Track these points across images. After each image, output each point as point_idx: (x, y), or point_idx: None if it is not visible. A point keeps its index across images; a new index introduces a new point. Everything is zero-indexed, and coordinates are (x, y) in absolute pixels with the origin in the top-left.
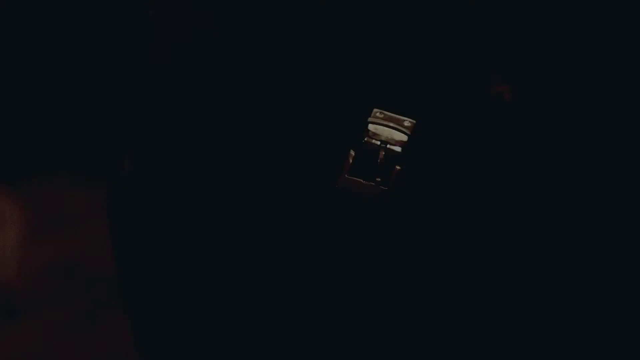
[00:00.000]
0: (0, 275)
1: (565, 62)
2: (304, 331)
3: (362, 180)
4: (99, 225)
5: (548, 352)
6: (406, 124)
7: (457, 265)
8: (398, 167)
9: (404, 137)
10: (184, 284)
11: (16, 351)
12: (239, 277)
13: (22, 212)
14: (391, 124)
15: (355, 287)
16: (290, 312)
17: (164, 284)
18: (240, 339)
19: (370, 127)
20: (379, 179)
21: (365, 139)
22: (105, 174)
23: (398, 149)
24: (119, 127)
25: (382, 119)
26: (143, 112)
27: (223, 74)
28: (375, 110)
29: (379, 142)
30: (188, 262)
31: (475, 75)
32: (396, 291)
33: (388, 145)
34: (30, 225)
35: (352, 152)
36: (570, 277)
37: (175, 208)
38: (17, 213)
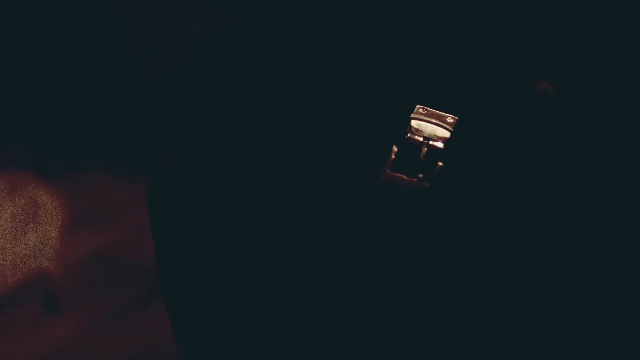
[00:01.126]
0: (40, 267)
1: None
2: (344, 322)
3: (404, 176)
4: (138, 219)
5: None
6: (449, 120)
7: (494, 262)
8: (440, 163)
9: (447, 134)
10: (223, 278)
11: (56, 342)
12: (278, 270)
13: (63, 204)
14: (434, 121)
15: (394, 282)
16: (328, 303)
17: (202, 278)
18: (283, 333)
19: (413, 123)
20: (421, 175)
21: (408, 135)
22: (144, 168)
23: (440, 145)
24: (160, 122)
25: (424, 115)
26: (185, 109)
27: (266, 73)
28: (418, 106)
29: (421, 139)
30: (227, 257)
31: (518, 71)
32: (435, 287)
33: (430, 142)
34: (70, 217)
35: (395, 148)
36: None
37: (216, 204)
38: (57, 205)
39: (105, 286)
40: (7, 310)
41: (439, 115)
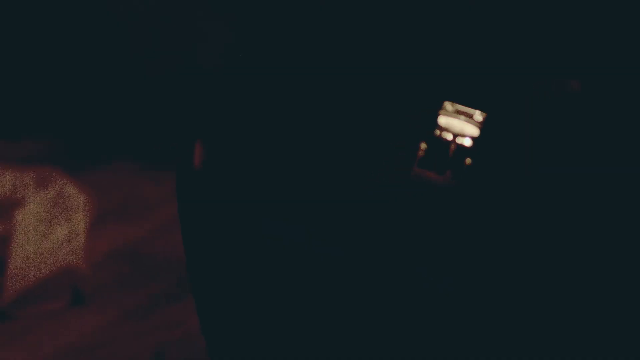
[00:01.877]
0: (67, 261)
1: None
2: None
3: (432, 173)
4: (165, 214)
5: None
6: (477, 117)
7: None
8: (469, 160)
9: (476, 130)
10: (254, 274)
11: (83, 335)
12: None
13: (90, 199)
14: (462, 117)
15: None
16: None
17: (232, 275)
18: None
19: (441, 119)
20: (449, 173)
21: (436, 132)
22: (172, 163)
23: (469, 142)
24: (189, 116)
25: (453, 111)
26: (218, 103)
27: (296, 68)
28: (446, 102)
29: (450, 135)
30: (259, 252)
31: (547, 67)
32: (464, 286)
33: (459, 138)
34: (97, 212)
35: (423, 145)
36: None
37: (247, 200)
38: (85, 200)
39: (132, 281)
40: (35, 303)
41: (467, 112)
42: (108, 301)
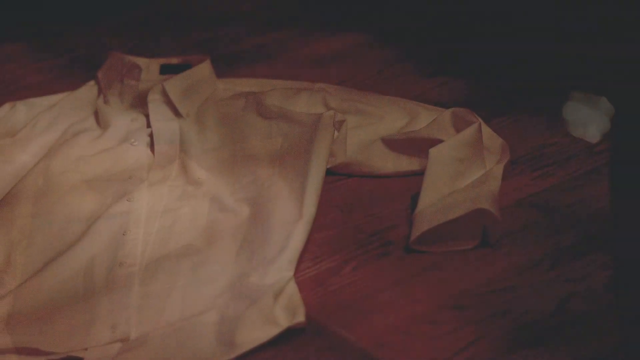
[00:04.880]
0: (479, 204)
1: None
2: None
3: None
4: (579, 168)
5: None
6: (604, 104)
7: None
8: (598, 148)
9: (604, 119)
10: None
11: (489, 278)
12: None
13: (505, 145)
14: (590, 104)
15: None
16: None
17: None
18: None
19: (567, 107)
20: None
21: (563, 119)
22: None
23: (596, 132)
24: None
25: (580, 99)
26: None
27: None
28: (573, 92)
29: (576, 124)
30: None
31: None
32: None
33: (586, 126)
34: (511, 158)
35: (549, 139)
36: None
37: None
38: (502, 145)
39: (540, 231)
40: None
41: (594, 99)
42: (515, 248)
